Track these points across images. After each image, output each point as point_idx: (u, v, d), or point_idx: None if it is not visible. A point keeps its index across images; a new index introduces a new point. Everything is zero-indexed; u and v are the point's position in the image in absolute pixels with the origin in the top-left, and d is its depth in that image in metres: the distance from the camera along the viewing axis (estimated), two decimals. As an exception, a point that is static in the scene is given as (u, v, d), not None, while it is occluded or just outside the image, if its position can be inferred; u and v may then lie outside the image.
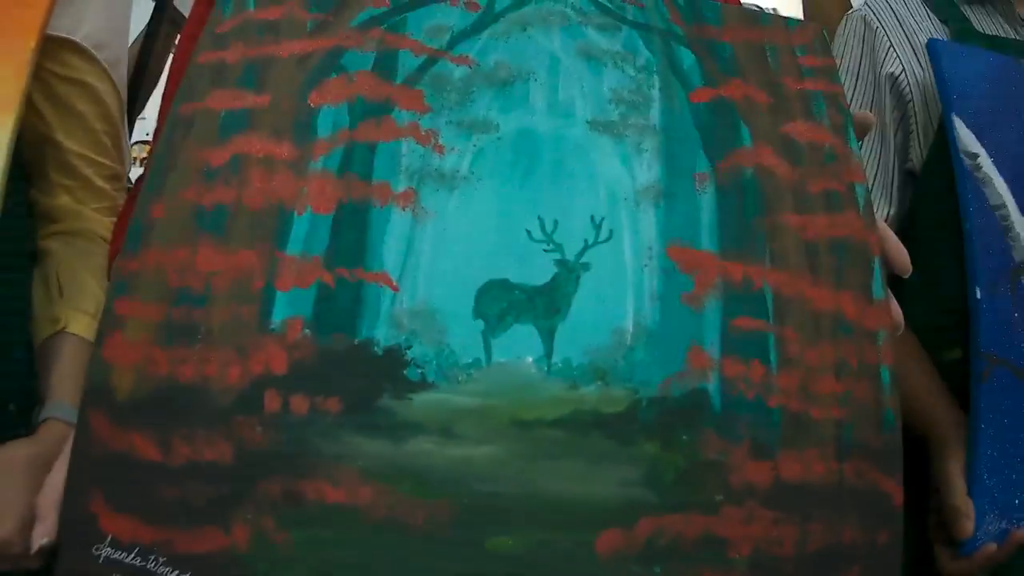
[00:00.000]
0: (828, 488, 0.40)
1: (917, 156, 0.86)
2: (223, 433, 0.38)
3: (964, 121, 0.72)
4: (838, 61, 0.92)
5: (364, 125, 0.44)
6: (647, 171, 0.44)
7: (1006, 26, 0.91)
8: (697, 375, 0.40)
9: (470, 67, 0.46)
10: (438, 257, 0.41)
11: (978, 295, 0.66)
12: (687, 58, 0.49)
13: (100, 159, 0.77)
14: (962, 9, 0.91)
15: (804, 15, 1.33)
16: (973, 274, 0.67)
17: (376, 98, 0.45)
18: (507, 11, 0.49)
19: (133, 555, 0.39)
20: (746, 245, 0.43)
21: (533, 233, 0.42)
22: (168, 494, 0.38)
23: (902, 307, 0.85)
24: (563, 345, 0.40)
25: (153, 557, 0.38)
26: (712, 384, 0.40)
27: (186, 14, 1.40)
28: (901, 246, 0.49)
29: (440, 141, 0.43)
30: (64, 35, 0.72)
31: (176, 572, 0.38)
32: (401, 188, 0.42)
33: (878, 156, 0.86)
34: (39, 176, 0.75)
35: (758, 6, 1.54)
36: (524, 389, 0.39)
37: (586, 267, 0.41)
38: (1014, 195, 0.69)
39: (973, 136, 0.69)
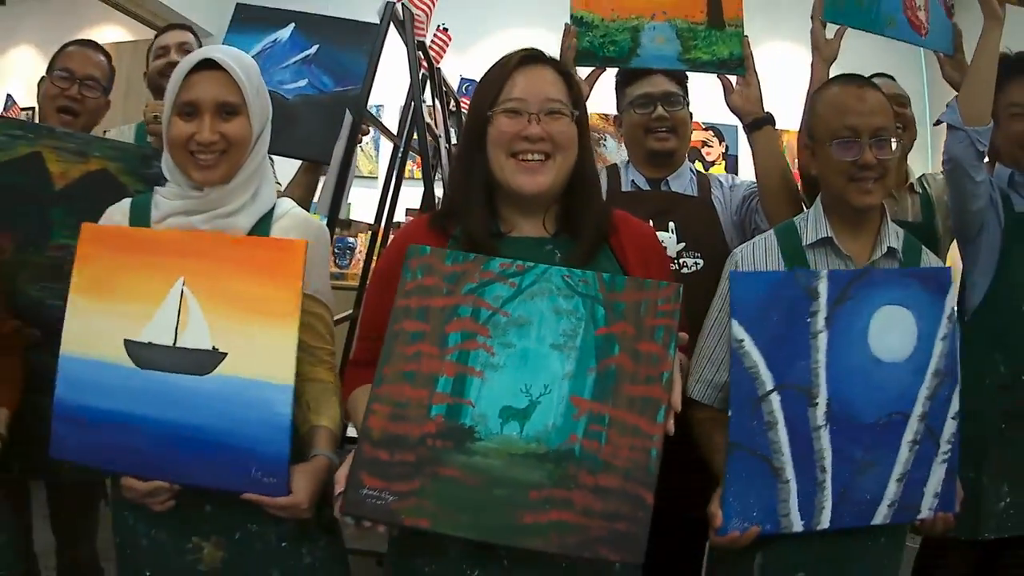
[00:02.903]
0: (618, 489, 1.12)
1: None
2: (414, 452, 1.13)
3: (738, 320, 1.36)
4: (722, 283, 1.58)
5: (466, 342, 1.17)
6: (569, 366, 1.16)
7: (837, 262, 1.53)
8: (572, 443, 1.13)
9: (508, 317, 1.19)
10: (489, 395, 1.15)
11: (730, 413, 1.35)
12: (600, 312, 1.20)
13: (325, 346, 1.52)
14: (806, 254, 1.54)
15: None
16: (732, 402, 1.35)
17: (471, 331, 1.18)
18: (527, 287, 1.21)
19: (377, 492, 1.13)
20: (603, 397, 1.15)
21: (522, 389, 1.15)
22: (392, 472, 1.13)
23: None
24: (527, 429, 1.14)
25: (384, 493, 1.13)
26: (577, 447, 1.13)
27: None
28: (679, 396, 1.19)
29: (494, 351, 1.17)
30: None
31: (392, 498, 1.12)
32: (479, 369, 1.16)
33: (717, 346, 1.54)
34: None
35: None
36: (512, 442, 1.13)
37: (539, 403, 1.15)
38: (766, 358, 1.35)
39: (743, 329, 1.35)
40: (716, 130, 6.22)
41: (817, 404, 1.37)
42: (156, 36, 2.75)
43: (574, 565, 1.23)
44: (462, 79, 3.95)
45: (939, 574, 2.05)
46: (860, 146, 1.48)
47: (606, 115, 5.26)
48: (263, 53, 2.31)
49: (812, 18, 1.99)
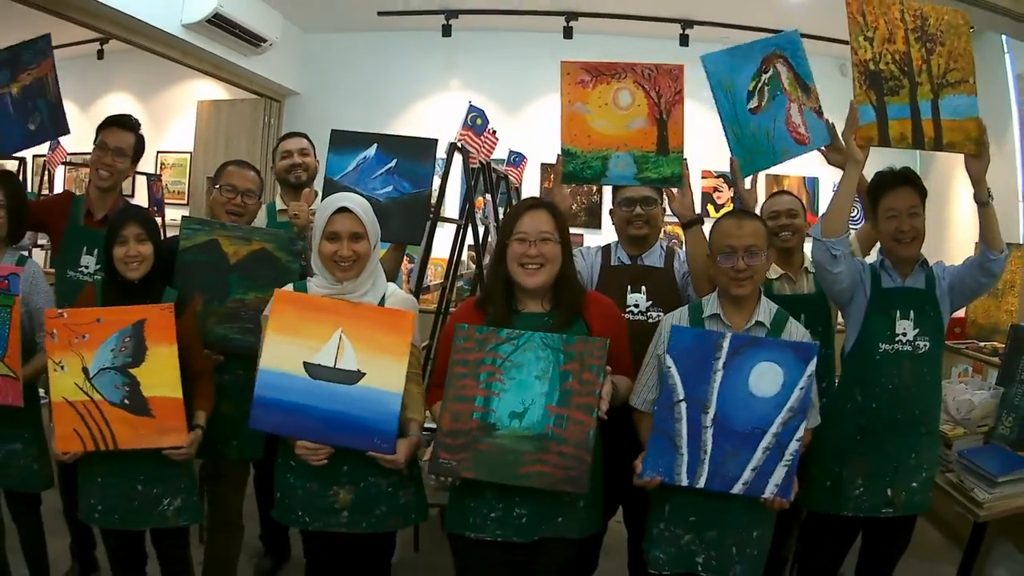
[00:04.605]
0: (571, 453, 2.10)
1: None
2: (465, 438, 2.15)
3: (670, 355, 2.23)
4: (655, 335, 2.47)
5: (489, 378, 2.17)
6: (545, 388, 2.14)
7: (723, 328, 2.33)
8: (547, 430, 2.12)
9: (511, 363, 2.16)
10: (502, 406, 2.15)
11: (655, 408, 2.25)
12: (560, 357, 2.16)
13: (416, 371, 2.41)
14: (704, 323, 2.37)
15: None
16: (657, 402, 2.25)
17: (491, 371, 2.17)
18: (522, 345, 2.18)
19: (447, 460, 2.15)
20: (563, 404, 2.13)
21: (521, 402, 2.14)
22: (454, 448, 2.15)
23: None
24: (523, 423, 2.13)
25: (451, 460, 2.14)
26: (550, 432, 2.11)
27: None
28: (607, 402, 2.13)
29: (504, 382, 2.15)
30: None
31: (455, 463, 2.14)
32: (497, 392, 2.15)
33: (650, 377, 2.41)
34: None
35: None
36: (515, 430, 2.13)
37: (529, 409, 2.13)
38: (682, 380, 2.20)
39: (672, 360, 2.21)
40: (726, 177, 7.08)
41: (708, 413, 2.21)
42: (280, 140, 3.66)
43: (554, 497, 2.17)
44: (510, 152, 4.83)
45: (825, 542, 2.84)
46: (736, 257, 2.32)
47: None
48: (357, 168, 3.17)
49: (733, 178, 2.74)
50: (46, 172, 7.15)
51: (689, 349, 2.24)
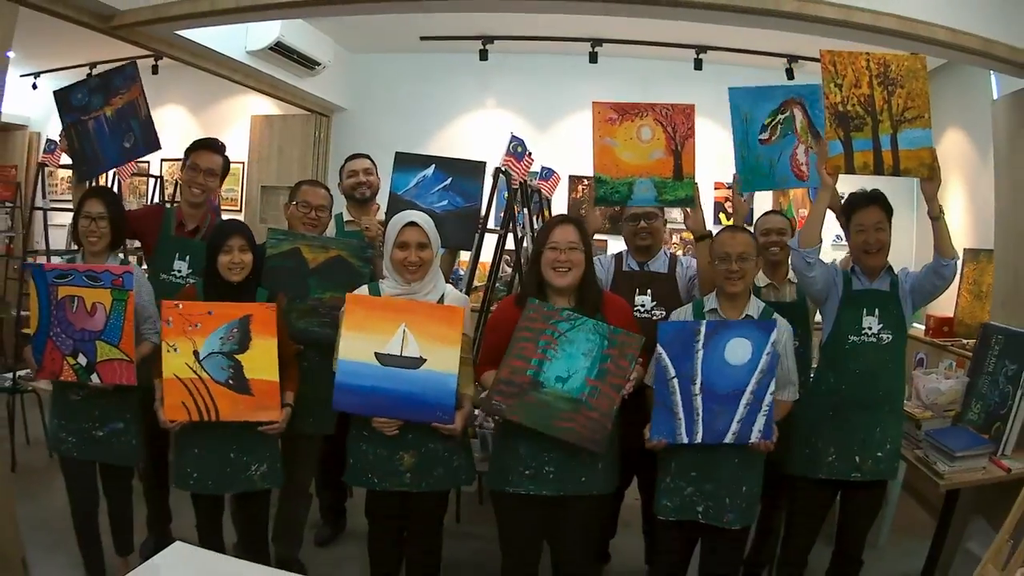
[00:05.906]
0: (597, 419, 2.71)
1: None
2: (517, 388, 2.74)
3: (660, 344, 2.79)
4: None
5: (546, 346, 2.75)
6: (588, 363, 2.73)
7: (724, 317, 2.97)
8: (582, 397, 2.72)
9: (565, 337, 2.75)
10: (551, 370, 2.73)
11: (654, 386, 2.82)
12: (605, 343, 2.75)
13: (467, 356, 2.92)
14: (705, 316, 2.97)
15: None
16: (655, 381, 2.82)
17: (548, 341, 2.75)
18: (577, 325, 2.76)
19: (499, 402, 2.75)
20: (599, 379, 2.72)
21: (566, 370, 2.73)
22: (507, 394, 2.75)
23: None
24: (565, 387, 2.73)
25: (502, 402, 2.74)
26: (584, 399, 2.71)
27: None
28: (632, 385, 2.73)
29: (557, 352, 2.75)
30: None
31: (505, 406, 2.74)
32: (549, 358, 2.74)
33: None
34: None
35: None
36: (558, 391, 2.73)
37: (572, 376, 2.73)
38: (672, 361, 2.76)
39: (662, 348, 2.77)
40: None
41: (695, 383, 2.77)
42: (346, 161, 4.07)
43: (578, 458, 2.71)
44: (542, 167, 5.38)
45: (807, 501, 3.28)
46: (730, 261, 2.89)
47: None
48: (418, 185, 3.69)
49: (731, 191, 3.27)
50: (116, 183, 7.68)
51: (674, 337, 2.76)
